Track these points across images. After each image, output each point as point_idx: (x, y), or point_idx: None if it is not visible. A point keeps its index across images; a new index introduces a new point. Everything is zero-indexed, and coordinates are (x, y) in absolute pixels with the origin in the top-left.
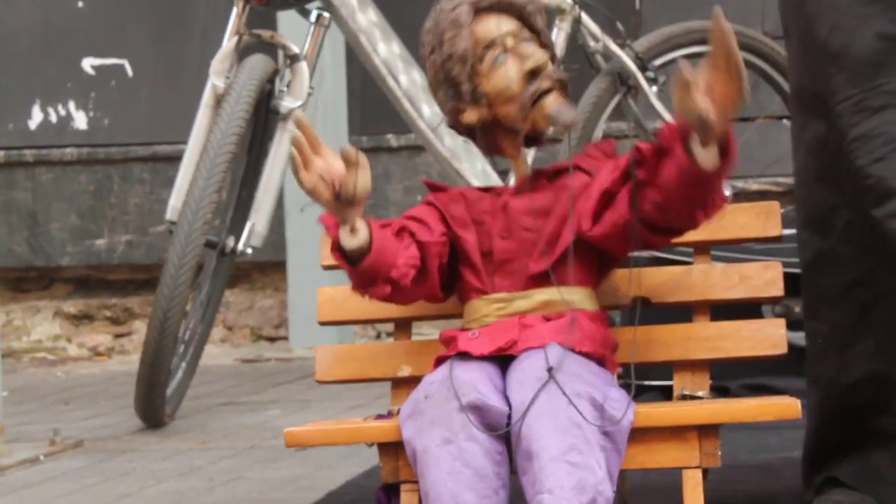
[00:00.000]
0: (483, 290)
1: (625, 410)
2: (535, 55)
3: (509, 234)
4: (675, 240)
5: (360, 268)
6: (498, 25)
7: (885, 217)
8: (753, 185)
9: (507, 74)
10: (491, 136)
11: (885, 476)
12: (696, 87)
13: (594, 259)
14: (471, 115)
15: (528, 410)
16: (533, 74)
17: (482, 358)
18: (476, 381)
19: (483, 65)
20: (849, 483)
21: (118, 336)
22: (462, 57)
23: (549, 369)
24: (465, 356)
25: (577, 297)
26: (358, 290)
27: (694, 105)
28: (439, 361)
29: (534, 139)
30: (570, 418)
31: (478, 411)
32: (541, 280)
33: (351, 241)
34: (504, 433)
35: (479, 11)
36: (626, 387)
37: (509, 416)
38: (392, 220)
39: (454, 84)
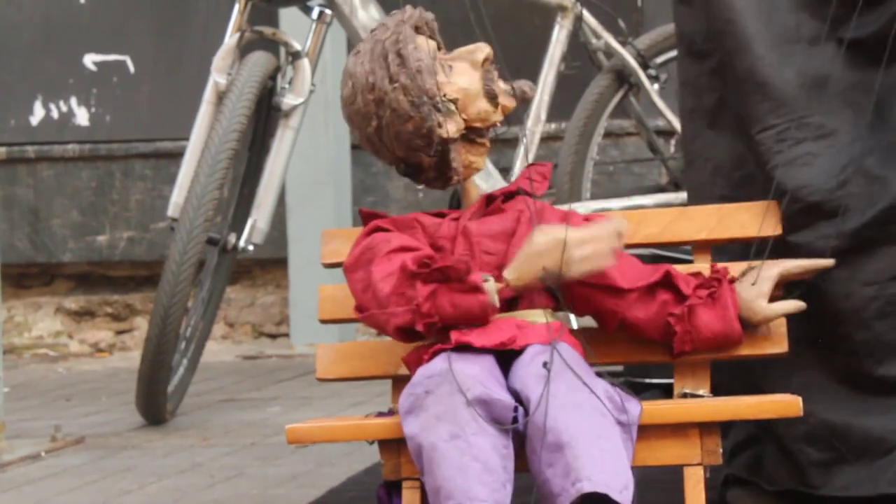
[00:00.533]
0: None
1: (636, 403)
2: (480, 45)
3: (471, 259)
4: (674, 238)
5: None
6: (427, 42)
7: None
8: None
9: (465, 75)
10: (462, 152)
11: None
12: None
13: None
14: (451, 126)
15: (550, 403)
16: (483, 65)
17: (480, 351)
18: (479, 374)
19: (440, 75)
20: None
21: (119, 332)
22: (429, 68)
23: (545, 364)
24: (460, 349)
25: (544, 318)
26: (451, 326)
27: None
28: (420, 356)
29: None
30: (595, 407)
31: (484, 405)
32: (507, 304)
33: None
34: (512, 427)
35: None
36: (627, 385)
37: (515, 409)
38: (419, 251)
39: (430, 97)
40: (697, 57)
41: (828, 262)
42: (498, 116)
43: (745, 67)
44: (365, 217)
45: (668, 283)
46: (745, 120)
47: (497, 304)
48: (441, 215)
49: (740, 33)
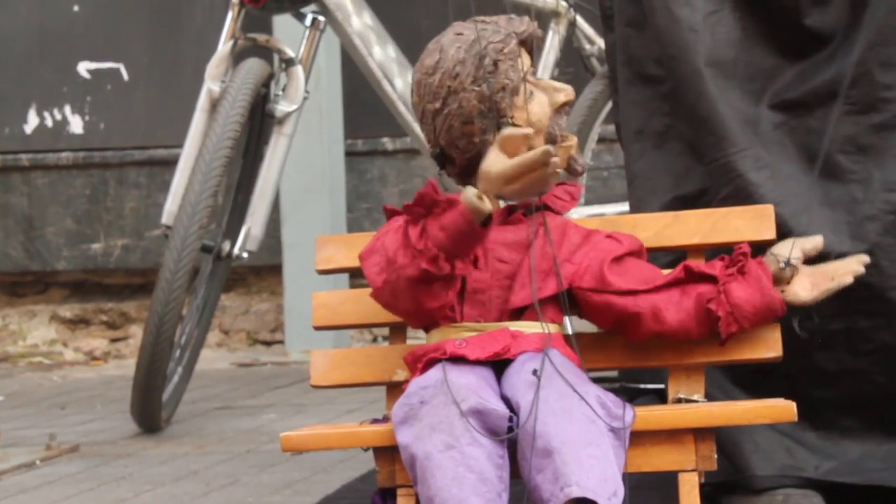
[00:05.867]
0: (453, 318)
1: (629, 409)
2: (567, 89)
3: (484, 265)
4: (668, 243)
5: (482, 230)
6: (525, 59)
7: None
8: None
9: (540, 107)
10: None
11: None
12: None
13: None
14: None
15: (541, 409)
16: (559, 108)
17: (475, 362)
18: (474, 385)
19: (518, 97)
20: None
21: (114, 340)
22: (514, 89)
23: (534, 371)
24: (455, 359)
25: (539, 326)
26: (451, 254)
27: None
28: (416, 361)
29: None
30: (585, 414)
31: (479, 416)
32: (515, 314)
33: (488, 206)
34: (507, 437)
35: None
36: (622, 390)
37: (510, 419)
38: None
39: (499, 115)
40: (648, 80)
41: (863, 258)
42: None
43: (690, 101)
44: (388, 213)
45: (694, 276)
46: (696, 151)
47: (484, 205)
48: None
49: (684, 68)
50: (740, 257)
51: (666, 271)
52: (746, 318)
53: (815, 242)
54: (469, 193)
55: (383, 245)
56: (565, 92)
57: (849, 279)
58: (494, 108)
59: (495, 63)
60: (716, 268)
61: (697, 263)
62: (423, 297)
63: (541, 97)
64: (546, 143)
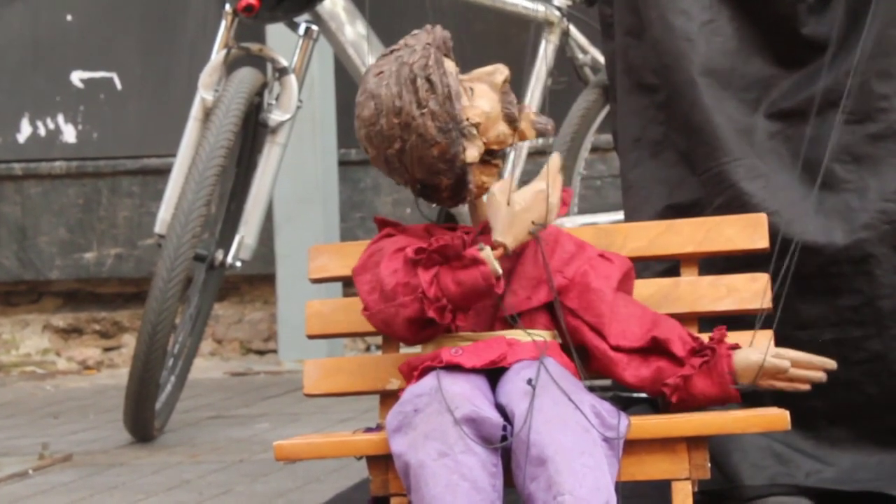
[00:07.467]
0: (447, 328)
1: (623, 419)
2: (499, 67)
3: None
4: (661, 252)
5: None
6: (449, 63)
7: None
8: None
9: (486, 98)
10: (476, 174)
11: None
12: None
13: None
14: (472, 151)
15: (535, 417)
16: (502, 87)
17: (471, 370)
18: (468, 393)
19: (463, 98)
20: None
21: (107, 350)
22: (457, 93)
23: (529, 381)
24: (450, 367)
25: (545, 336)
26: (458, 307)
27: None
28: (412, 370)
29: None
30: (579, 423)
31: (473, 424)
32: (507, 321)
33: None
34: (500, 445)
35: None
36: (615, 399)
37: (504, 428)
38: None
39: (458, 123)
40: (645, 90)
41: (831, 363)
42: (514, 139)
43: (684, 111)
44: (379, 224)
45: (660, 349)
46: (690, 161)
47: (499, 270)
48: (452, 229)
49: (678, 77)
50: (709, 350)
51: (657, 280)
52: (698, 404)
53: (783, 365)
54: (489, 253)
55: (377, 269)
56: (498, 70)
57: (805, 385)
58: (450, 119)
59: (427, 79)
60: (686, 346)
61: (666, 335)
62: (417, 333)
63: (481, 88)
64: (507, 123)
